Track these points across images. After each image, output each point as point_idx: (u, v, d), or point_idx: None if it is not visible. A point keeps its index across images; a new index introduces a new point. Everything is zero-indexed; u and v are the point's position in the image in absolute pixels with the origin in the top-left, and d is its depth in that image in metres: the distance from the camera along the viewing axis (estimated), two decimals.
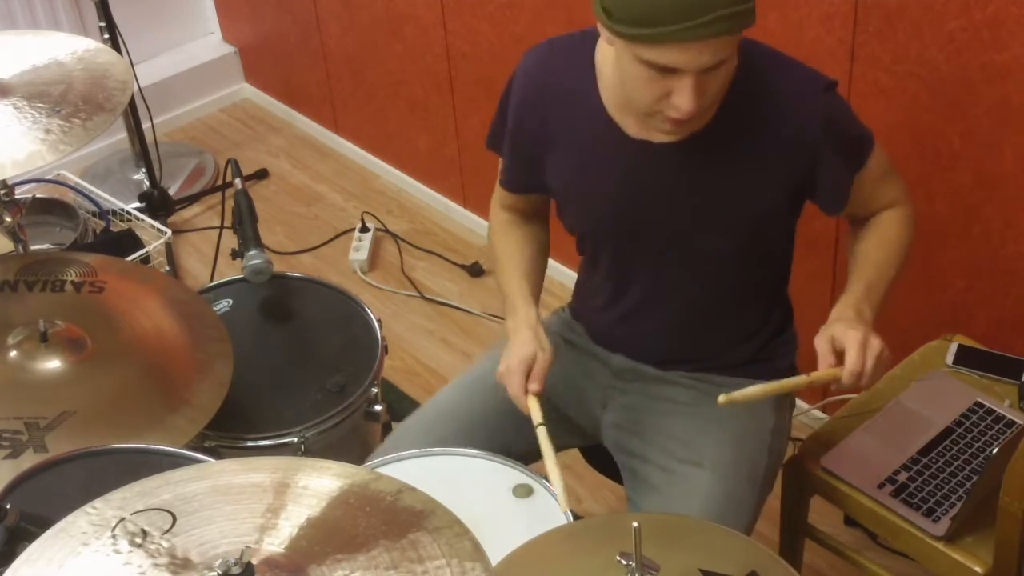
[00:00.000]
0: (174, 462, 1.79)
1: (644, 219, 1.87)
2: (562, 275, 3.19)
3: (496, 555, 1.48)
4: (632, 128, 1.81)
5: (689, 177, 1.82)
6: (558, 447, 2.13)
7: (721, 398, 1.73)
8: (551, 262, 3.24)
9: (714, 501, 1.89)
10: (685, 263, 1.90)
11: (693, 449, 1.94)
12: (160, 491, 1.39)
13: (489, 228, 2.14)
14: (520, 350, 1.89)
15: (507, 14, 3.05)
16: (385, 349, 2.27)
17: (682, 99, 1.63)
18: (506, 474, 1.87)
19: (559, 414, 2.07)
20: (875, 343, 1.73)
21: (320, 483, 1.39)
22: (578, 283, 2.12)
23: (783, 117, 1.76)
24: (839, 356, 1.74)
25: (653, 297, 1.96)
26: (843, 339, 1.73)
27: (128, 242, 3.15)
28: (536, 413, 1.86)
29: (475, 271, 3.41)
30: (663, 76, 1.63)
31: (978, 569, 1.91)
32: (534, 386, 1.87)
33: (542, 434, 1.83)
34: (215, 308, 2.31)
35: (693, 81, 1.61)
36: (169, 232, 3.22)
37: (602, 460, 2.13)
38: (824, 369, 1.74)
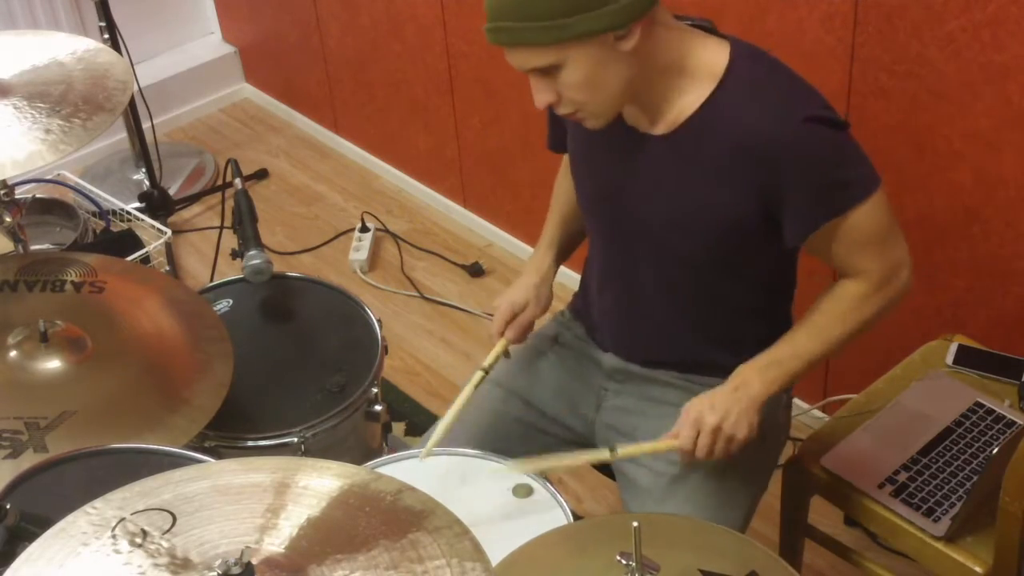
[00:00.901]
0: (174, 462, 1.79)
1: (624, 206, 1.88)
2: (562, 275, 3.19)
3: (496, 555, 1.48)
4: (628, 115, 1.81)
5: (662, 171, 1.81)
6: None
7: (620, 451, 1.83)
8: None
9: (707, 502, 1.89)
10: (663, 259, 1.89)
11: None
12: (160, 491, 1.39)
13: None
14: (515, 293, 2.04)
15: None
16: (385, 349, 2.27)
17: (534, 95, 1.74)
18: (506, 474, 1.87)
19: (555, 423, 2.07)
20: (709, 422, 1.79)
21: (320, 483, 1.39)
22: (582, 273, 2.13)
23: (754, 131, 1.71)
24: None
25: (636, 291, 1.96)
26: (684, 414, 1.82)
27: (128, 242, 3.15)
28: (490, 357, 2.01)
29: (475, 271, 3.41)
30: None
31: (978, 569, 1.92)
32: (511, 333, 2.03)
33: (475, 378, 1.98)
34: (215, 308, 2.30)
35: (531, 80, 1.73)
36: (169, 232, 3.22)
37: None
38: (663, 440, 1.84)
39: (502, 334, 2.04)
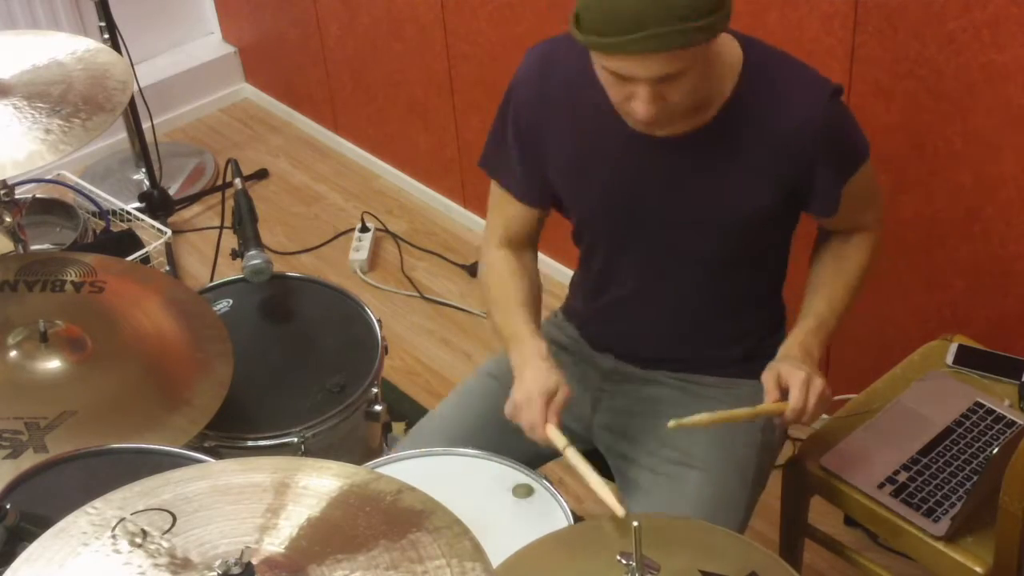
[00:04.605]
0: (174, 462, 1.79)
1: (638, 210, 1.88)
2: (562, 275, 3.20)
3: (496, 555, 1.48)
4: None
5: (687, 172, 1.82)
6: (553, 454, 2.13)
7: (671, 423, 1.75)
8: (551, 262, 3.25)
9: (704, 501, 1.89)
10: (677, 259, 1.90)
11: (681, 450, 1.94)
12: (160, 491, 1.39)
13: (481, 267, 2.08)
14: (539, 382, 1.84)
15: (507, 14, 3.05)
16: (385, 349, 2.27)
17: (638, 106, 1.68)
18: (506, 474, 1.87)
19: None
20: (817, 383, 1.80)
21: (320, 483, 1.39)
22: (573, 278, 2.12)
23: (785, 120, 1.77)
24: (784, 392, 1.81)
25: (644, 291, 1.96)
26: (788, 378, 1.81)
27: (128, 242, 3.15)
28: (560, 438, 1.81)
29: (475, 271, 3.39)
30: (624, 82, 1.67)
31: (978, 569, 1.91)
32: (554, 419, 1.84)
33: (574, 455, 1.79)
34: (215, 308, 2.30)
35: (647, 90, 1.66)
36: (169, 232, 3.22)
37: (601, 461, 2.13)
38: (769, 403, 1.82)
39: (547, 420, 1.84)
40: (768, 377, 1.83)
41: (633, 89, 1.67)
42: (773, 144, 1.78)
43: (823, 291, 1.93)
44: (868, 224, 1.96)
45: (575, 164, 1.91)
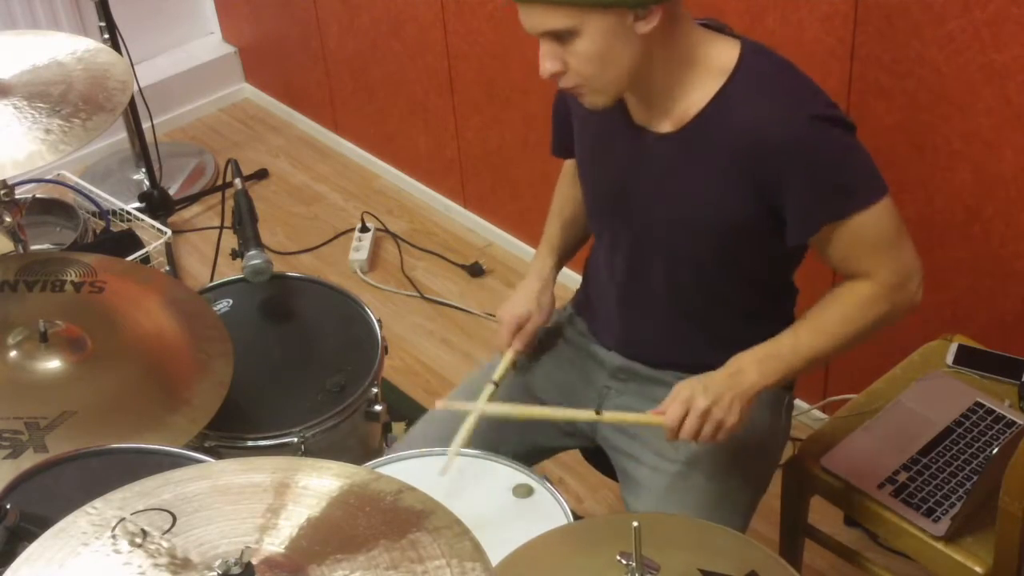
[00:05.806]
0: (174, 462, 1.79)
1: (632, 205, 1.88)
2: (563, 275, 3.19)
3: (496, 555, 1.48)
4: (636, 113, 1.82)
5: (670, 169, 1.81)
6: (556, 449, 2.14)
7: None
8: None
9: (707, 502, 1.89)
10: (671, 257, 1.89)
11: (686, 450, 1.94)
12: (160, 491, 1.39)
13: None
14: (518, 304, 2.03)
15: (507, 14, 3.05)
16: (385, 349, 2.27)
17: (541, 62, 1.73)
18: (506, 474, 1.87)
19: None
20: (699, 404, 1.75)
21: (320, 483, 1.39)
22: (584, 271, 2.13)
23: (765, 126, 1.71)
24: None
25: (642, 288, 1.96)
26: (675, 391, 1.79)
27: (128, 242, 3.15)
28: (500, 370, 1.98)
29: (475, 271, 3.41)
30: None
31: (978, 569, 1.92)
32: (518, 344, 2.02)
33: (487, 391, 1.95)
34: (215, 308, 2.30)
35: (542, 46, 1.71)
36: (169, 232, 3.22)
37: (602, 460, 2.13)
38: (650, 415, 1.81)
39: (509, 345, 2.02)
40: (675, 387, 1.80)
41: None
42: (745, 149, 1.73)
43: (798, 328, 1.85)
44: (868, 274, 1.80)
45: (587, 154, 1.95)
